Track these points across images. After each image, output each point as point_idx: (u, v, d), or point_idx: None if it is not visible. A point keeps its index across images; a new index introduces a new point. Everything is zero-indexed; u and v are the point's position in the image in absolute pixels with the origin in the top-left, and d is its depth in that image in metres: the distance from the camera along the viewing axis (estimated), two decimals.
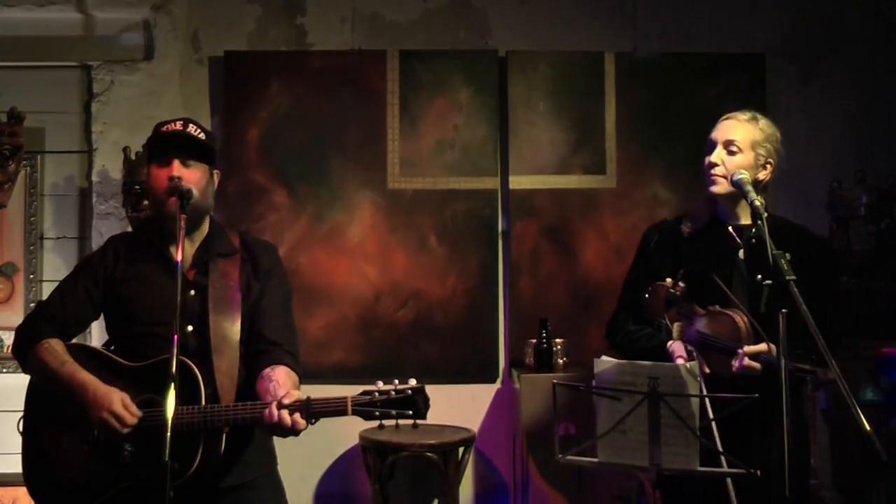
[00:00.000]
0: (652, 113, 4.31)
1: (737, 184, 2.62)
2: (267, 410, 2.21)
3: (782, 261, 2.29)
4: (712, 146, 2.75)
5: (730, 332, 2.58)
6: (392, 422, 2.22)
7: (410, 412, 2.21)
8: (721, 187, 2.72)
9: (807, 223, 3.43)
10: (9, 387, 4.00)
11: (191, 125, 2.45)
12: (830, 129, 4.39)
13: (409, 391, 2.22)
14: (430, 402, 2.24)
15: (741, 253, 2.71)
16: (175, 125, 2.44)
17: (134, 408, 2.30)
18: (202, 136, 2.45)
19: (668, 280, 2.67)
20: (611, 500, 4.05)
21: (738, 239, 2.72)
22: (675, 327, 2.67)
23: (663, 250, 2.81)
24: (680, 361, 2.59)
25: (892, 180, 4.14)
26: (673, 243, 2.81)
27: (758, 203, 2.47)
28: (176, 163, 2.39)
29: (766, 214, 2.43)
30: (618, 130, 4.32)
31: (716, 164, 2.71)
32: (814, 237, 2.79)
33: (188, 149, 2.42)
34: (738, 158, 2.70)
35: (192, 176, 2.40)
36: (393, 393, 2.21)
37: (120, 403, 2.29)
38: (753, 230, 2.70)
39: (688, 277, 2.63)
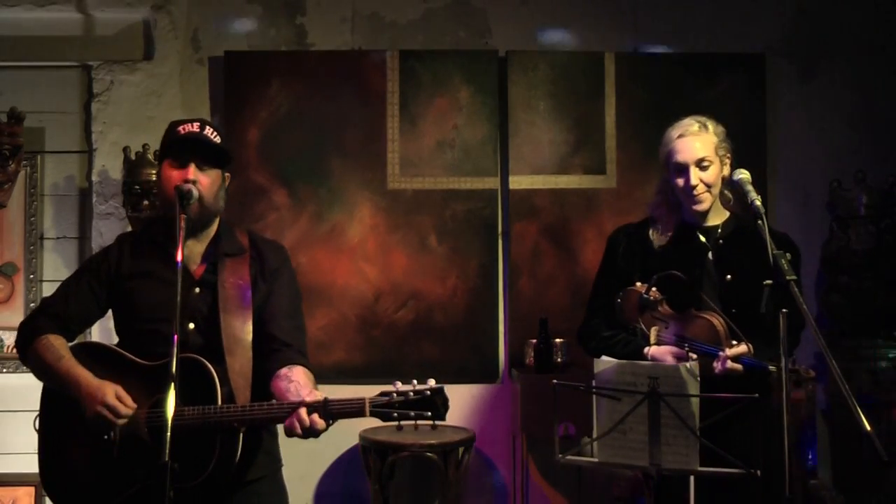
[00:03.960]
0: (652, 113, 4.30)
1: (737, 184, 2.63)
2: (290, 418, 2.19)
3: (782, 261, 2.30)
4: (682, 168, 2.76)
5: (708, 335, 2.59)
6: (410, 423, 2.18)
7: (429, 413, 2.18)
8: (707, 202, 2.76)
9: (807, 223, 3.45)
10: (9, 387, 4.00)
11: (207, 128, 2.45)
12: (830, 129, 4.38)
13: (428, 392, 2.19)
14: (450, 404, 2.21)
15: (710, 254, 2.74)
16: (192, 126, 2.44)
17: (129, 399, 2.30)
18: (218, 139, 2.45)
19: (639, 284, 2.69)
20: (611, 500, 4.05)
21: (706, 241, 2.75)
22: (653, 332, 2.68)
23: (631, 255, 2.84)
24: (671, 360, 2.60)
25: (892, 180, 4.14)
26: (640, 248, 2.84)
27: (758, 203, 2.49)
28: (192, 167, 2.40)
29: (767, 215, 2.45)
30: (618, 130, 4.32)
31: (696, 185, 2.73)
32: (777, 234, 2.78)
33: (205, 153, 2.42)
34: (712, 170, 2.75)
35: (206, 180, 2.41)
36: (411, 394, 2.18)
37: (113, 395, 2.29)
38: (720, 230, 2.77)
39: (660, 282, 2.64)
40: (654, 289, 2.64)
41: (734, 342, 2.56)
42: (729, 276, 2.71)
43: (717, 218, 2.79)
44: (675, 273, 2.62)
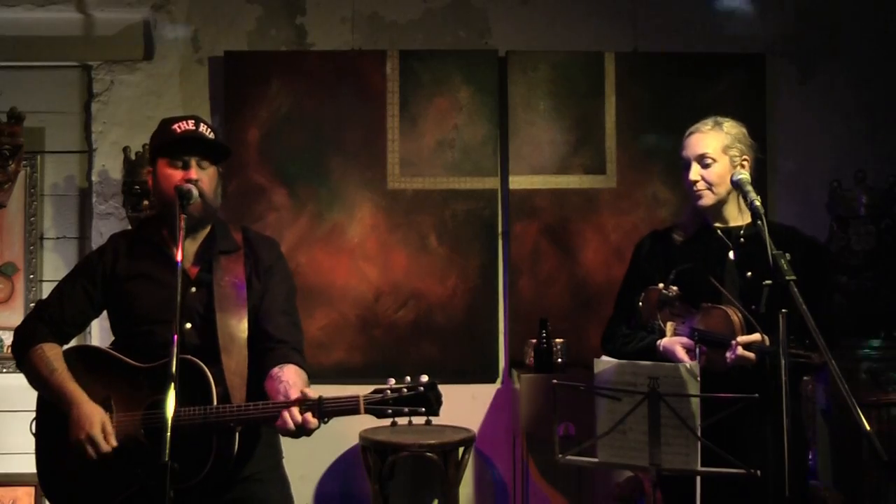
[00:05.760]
0: (652, 113, 4.31)
1: (736, 184, 2.63)
2: (281, 415, 2.20)
3: (782, 261, 2.30)
4: (687, 164, 2.78)
5: (723, 327, 2.59)
6: (405, 420, 2.19)
7: (423, 409, 2.19)
8: (708, 199, 2.75)
9: (807, 223, 3.44)
10: (9, 387, 4.01)
11: (202, 125, 2.45)
12: (830, 129, 4.38)
13: (421, 387, 2.20)
14: (443, 399, 2.21)
15: (731, 253, 2.74)
16: (188, 124, 2.43)
17: (112, 437, 2.31)
18: (212, 135, 2.46)
19: (661, 285, 2.69)
20: (611, 501, 4.05)
21: (727, 240, 2.75)
22: (669, 327, 2.69)
23: (654, 257, 2.85)
24: (680, 350, 2.60)
25: (892, 180, 4.14)
26: (663, 250, 2.85)
27: (757, 203, 2.49)
28: (194, 166, 2.40)
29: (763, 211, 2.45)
30: (618, 130, 4.32)
31: (696, 181, 2.74)
32: (803, 236, 2.80)
33: (204, 151, 2.42)
34: (715, 168, 2.74)
35: (206, 178, 2.41)
36: (405, 390, 2.19)
37: (99, 428, 2.30)
38: (742, 230, 2.76)
39: (680, 278, 2.64)
40: (673, 286, 2.65)
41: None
42: (749, 273, 2.69)
43: (742, 220, 2.77)
44: (692, 266, 2.62)
